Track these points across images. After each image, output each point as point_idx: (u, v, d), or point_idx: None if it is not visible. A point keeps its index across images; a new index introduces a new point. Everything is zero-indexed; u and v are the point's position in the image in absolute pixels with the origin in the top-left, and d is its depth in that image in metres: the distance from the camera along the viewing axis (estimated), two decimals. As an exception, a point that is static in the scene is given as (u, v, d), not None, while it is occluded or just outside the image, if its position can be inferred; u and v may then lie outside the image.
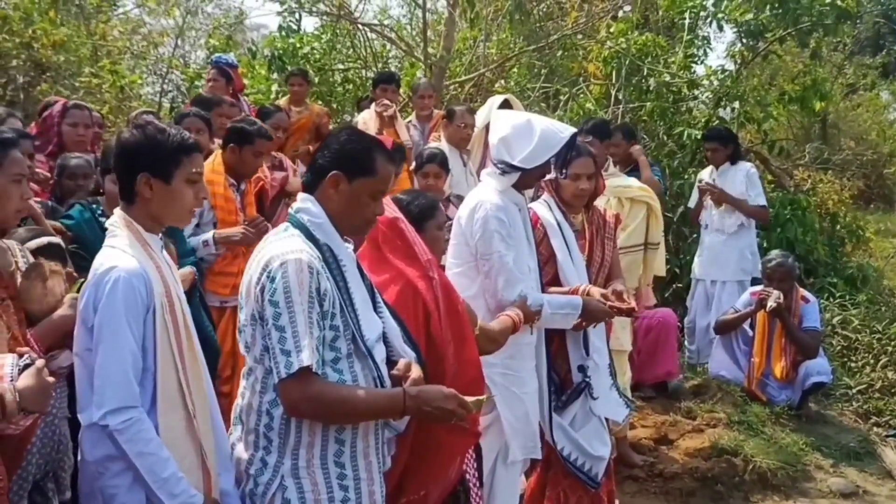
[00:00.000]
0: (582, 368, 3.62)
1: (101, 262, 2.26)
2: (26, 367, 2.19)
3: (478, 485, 3.15)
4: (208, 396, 2.42)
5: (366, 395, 2.28)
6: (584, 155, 3.73)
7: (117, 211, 2.37)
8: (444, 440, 2.66)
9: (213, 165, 4.32)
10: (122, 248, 2.28)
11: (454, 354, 2.73)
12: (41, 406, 2.17)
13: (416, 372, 2.40)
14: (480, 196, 3.40)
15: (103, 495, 2.23)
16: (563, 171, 3.67)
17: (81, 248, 3.20)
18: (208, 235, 4.18)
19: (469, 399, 2.38)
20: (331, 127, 7.00)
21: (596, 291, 3.57)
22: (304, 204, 2.40)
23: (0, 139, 2.44)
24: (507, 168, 3.37)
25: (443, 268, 3.23)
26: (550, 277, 3.67)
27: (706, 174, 6.74)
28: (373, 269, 2.72)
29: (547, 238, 3.66)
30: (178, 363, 2.28)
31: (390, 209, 2.79)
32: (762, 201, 6.54)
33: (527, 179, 3.46)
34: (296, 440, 2.28)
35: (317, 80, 8.76)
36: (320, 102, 8.88)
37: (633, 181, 5.29)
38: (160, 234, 2.44)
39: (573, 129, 3.45)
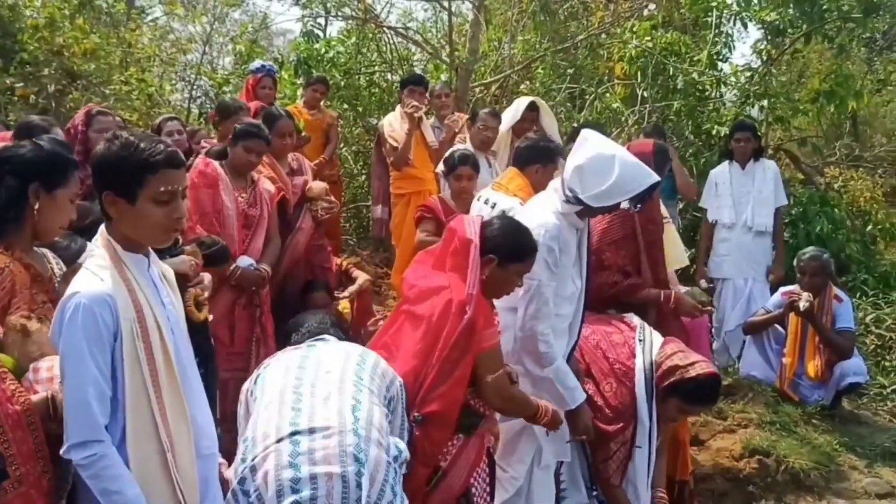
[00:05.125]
0: None
1: (69, 287, 2.18)
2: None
3: (488, 499, 3.18)
4: (193, 425, 2.30)
5: None
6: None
7: (101, 229, 2.28)
8: None
9: None
10: (94, 270, 2.18)
11: (431, 381, 2.85)
12: None
13: None
14: (539, 219, 3.31)
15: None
16: (638, 206, 3.66)
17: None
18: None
19: None
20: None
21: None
22: None
23: (72, 159, 2.51)
24: (573, 199, 3.29)
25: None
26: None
27: (721, 172, 6.64)
28: (425, 272, 3.03)
29: None
30: (152, 394, 2.17)
31: (472, 230, 2.94)
32: (784, 200, 6.54)
33: (591, 212, 3.40)
34: None
35: (342, 83, 8.81)
36: (346, 106, 8.95)
37: None
38: (146, 252, 2.31)
39: (656, 178, 3.30)
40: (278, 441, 2.37)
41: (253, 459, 2.36)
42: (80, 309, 2.09)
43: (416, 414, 2.82)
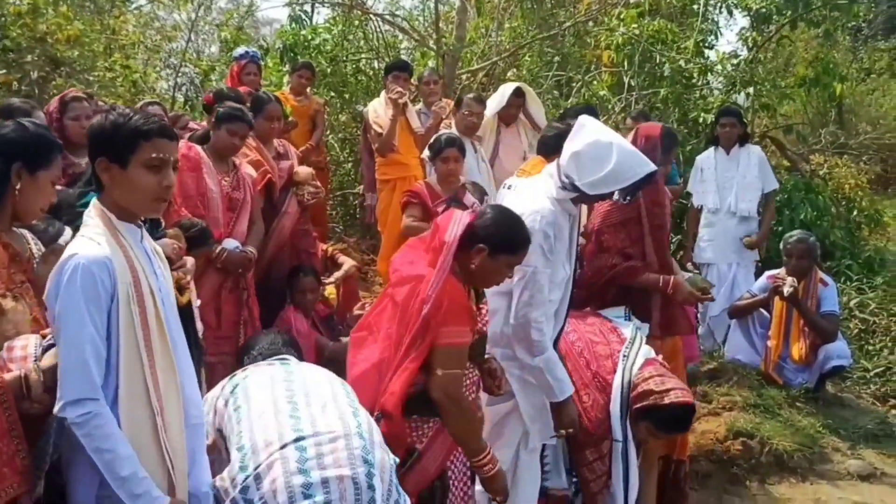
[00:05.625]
0: None
1: (66, 250, 2.21)
2: (49, 347, 2.24)
3: (469, 483, 3.17)
4: (185, 394, 2.35)
5: None
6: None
7: (93, 200, 2.32)
8: None
9: None
10: (90, 237, 2.22)
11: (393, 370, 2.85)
12: None
13: None
14: (534, 204, 3.27)
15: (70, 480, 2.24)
16: (628, 198, 3.64)
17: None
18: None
19: None
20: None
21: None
22: None
23: (55, 142, 2.50)
24: (569, 186, 3.25)
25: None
26: None
27: (706, 158, 6.67)
28: (413, 257, 3.03)
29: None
30: (145, 358, 2.21)
31: (453, 231, 2.91)
32: (774, 184, 6.54)
33: (586, 199, 3.37)
34: None
35: (329, 70, 8.78)
36: (332, 93, 8.92)
37: None
38: (139, 224, 2.36)
39: (652, 168, 3.25)
40: (282, 447, 2.35)
41: (257, 468, 2.33)
42: (80, 270, 2.12)
43: (376, 413, 2.82)
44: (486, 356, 3.24)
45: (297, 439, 2.36)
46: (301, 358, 3.07)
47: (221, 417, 2.64)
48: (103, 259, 2.16)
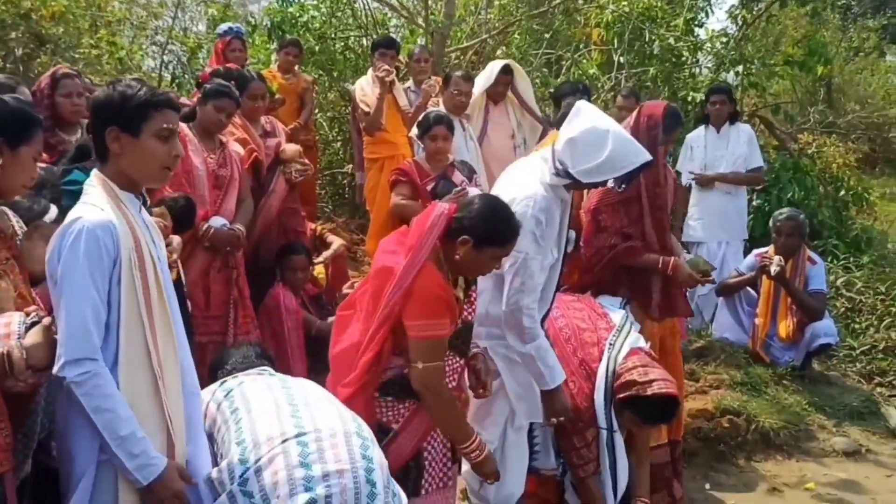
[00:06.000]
0: None
1: (69, 215, 2.23)
2: (33, 324, 2.23)
3: (448, 464, 3.15)
4: (181, 362, 2.38)
5: None
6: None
7: (93, 171, 2.34)
8: None
9: None
10: (93, 203, 2.25)
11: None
12: (49, 363, 2.18)
13: None
14: (527, 190, 3.22)
15: (66, 442, 2.24)
16: (623, 186, 3.62)
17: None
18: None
19: None
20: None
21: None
22: None
23: (37, 117, 2.48)
24: (563, 172, 3.20)
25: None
26: None
27: (696, 136, 6.67)
28: (396, 246, 2.99)
29: None
30: (146, 321, 2.24)
31: (427, 239, 2.88)
32: (759, 162, 6.54)
33: (579, 186, 3.34)
34: None
35: (317, 48, 8.71)
36: (321, 71, 8.85)
37: None
38: (140, 195, 2.41)
39: (647, 157, 3.19)
40: (284, 442, 2.36)
41: (258, 460, 2.34)
42: (84, 232, 2.15)
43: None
44: (473, 350, 3.21)
45: (299, 434, 2.39)
46: (276, 368, 3.07)
47: (213, 421, 2.64)
48: (107, 223, 2.18)
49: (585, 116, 3.20)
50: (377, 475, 2.36)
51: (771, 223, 5.92)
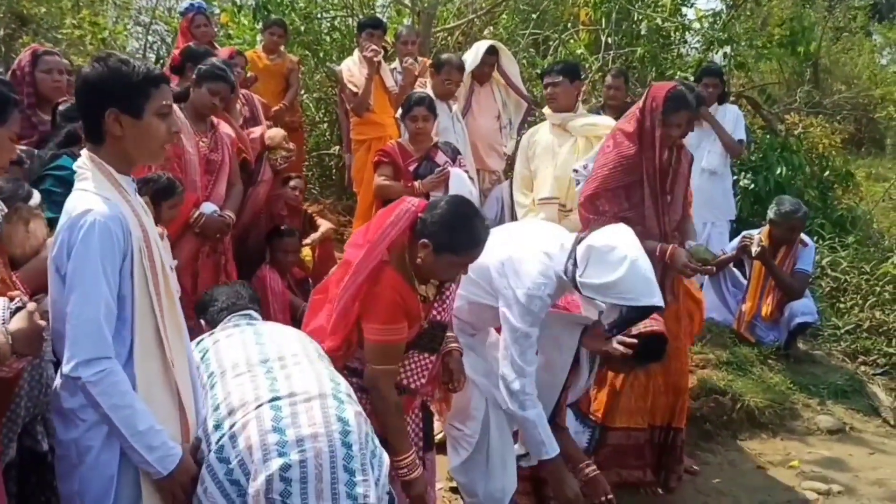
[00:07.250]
0: None
1: (74, 205, 2.14)
2: (17, 310, 2.19)
3: (421, 444, 3.17)
4: (186, 346, 2.38)
5: None
6: None
7: (84, 153, 2.24)
8: None
9: None
10: (94, 191, 2.16)
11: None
12: (33, 349, 2.16)
13: None
14: (541, 276, 3.13)
15: (78, 447, 2.17)
16: (614, 331, 3.41)
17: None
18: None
19: None
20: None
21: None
22: None
23: (11, 97, 2.41)
24: (570, 273, 3.10)
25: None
26: None
27: None
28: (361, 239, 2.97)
29: None
30: (157, 310, 2.21)
31: (381, 246, 2.87)
32: (742, 135, 6.49)
33: (577, 290, 3.19)
34: None
35: (302, 28, 8.64)
36: (307, 52, 8.79)
37: (598, 119, 5.05)
38: (132, 177, 2.34)
39: (655, 302, 3.04)
40: (258, 407, 2.34)
41: (232, 427, 2.32)
42: (97, 226, 2.09)
43: None
44: (450, 346, 3.21)
45: (273, 399, 2.35)
46: (263, 314, 3.02)
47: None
48: (118, 215, 2.13)
49: (616, 235, 3.11)
50: (353, 437, 2.32)
51: (771, 212, 5.85)
